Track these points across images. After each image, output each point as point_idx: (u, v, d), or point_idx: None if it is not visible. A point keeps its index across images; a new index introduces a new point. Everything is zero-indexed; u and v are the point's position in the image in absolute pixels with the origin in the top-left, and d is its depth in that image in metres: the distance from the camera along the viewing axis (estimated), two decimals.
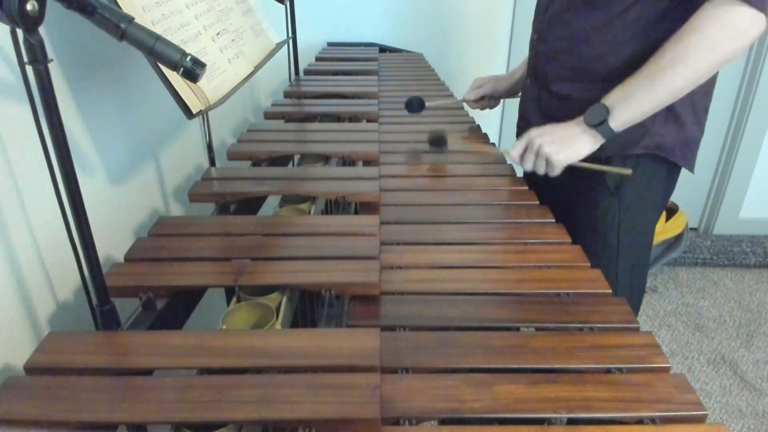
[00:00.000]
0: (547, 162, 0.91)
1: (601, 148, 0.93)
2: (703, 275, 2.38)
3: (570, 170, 0.93)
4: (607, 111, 0.87)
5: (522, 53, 2.25)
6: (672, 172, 1.03)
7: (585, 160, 0.92)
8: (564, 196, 1.02)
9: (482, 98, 1.32)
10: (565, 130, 0.92)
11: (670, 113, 0.94)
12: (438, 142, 1.14)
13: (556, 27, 1.01)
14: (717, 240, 2.45)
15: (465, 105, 1.37)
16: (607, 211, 1.02)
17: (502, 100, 1.39)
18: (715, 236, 2.48)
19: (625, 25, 0.91)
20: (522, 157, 0.95)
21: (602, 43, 0.93)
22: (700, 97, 0.96)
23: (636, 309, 1.14)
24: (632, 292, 1.08)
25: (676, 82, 0.83)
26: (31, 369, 0.55)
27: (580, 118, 0.91)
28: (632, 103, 0.86)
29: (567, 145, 0.91)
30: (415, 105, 1.31)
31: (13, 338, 0.69)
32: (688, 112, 0.96)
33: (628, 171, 0.94)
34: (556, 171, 0.92)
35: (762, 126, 2.27)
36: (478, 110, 1.38)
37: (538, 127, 0.94)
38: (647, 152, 0.97)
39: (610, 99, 0.88)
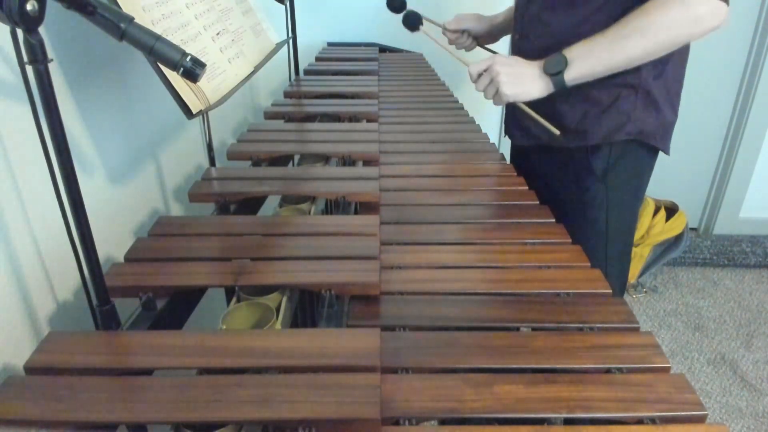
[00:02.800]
0: (497, 92, 0.95)
1: (586, 137, 0.97)
2: (703, 275, 2.38)
3: (557, 157, 0.97)
4: (565, 63, 0.91)
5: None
6: (652, 157, 1.08)
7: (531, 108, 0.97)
8: (553, 184, 1.06)
9: (462, 33, 1.35)
10: (526, 68, 0.95)
11: (649, 100, 0.99)
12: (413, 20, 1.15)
13: (536, 26, 1.05)
14: (717, 240, 2.45)
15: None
16: (596, 196, 1.05)
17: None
18: (715, 236, 2.48)
19: (600, 24, 0.93)
20: (479, 76, 0.98)
21: (578, 39, 0.95)
22: (673, 83, 1.02)
23: (623, 282, 1.19)
24: (621, 266, 1.14)
25: (634, 50, 0.87)
26: (31, 369, 0.55)
27: (542, 62, 0.94)
28: (590, 60, 0.90)
29: (521, 83, 0.94)
30: (397, 4, 1.36)
31: (13, 338, 0.69)
32: (664, 98, 1.01)
33: (556, 132, 0.98)
34: (501, 103, 0.97)
35: (762, 126, 2.27)
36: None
37: (505, 55, 0.99)
38: (630, 138, 1.01)
39: (572, 52, 0.91)
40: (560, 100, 1.01)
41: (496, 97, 0.96)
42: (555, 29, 1.01)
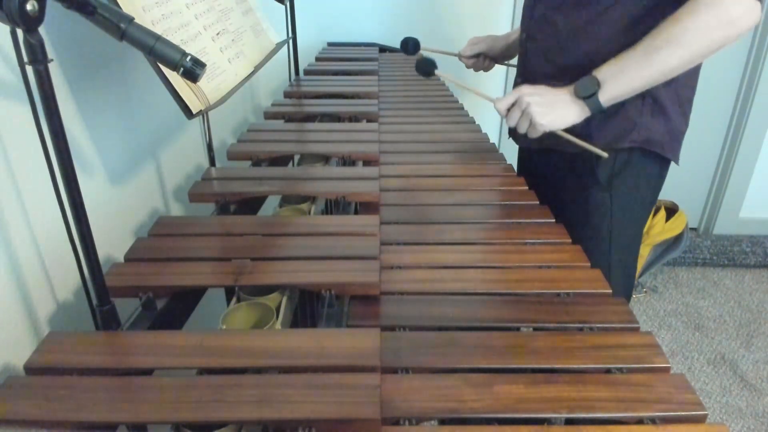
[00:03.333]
0: (531, 123, 0.92)
1: (590, 142, 0.93)
2: (703, 275, 2.38)
3: (561, 161, 0.94)
4: (598, 84, 0.88)
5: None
6: (662, 166, 1.05)
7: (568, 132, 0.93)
8: (557, 189, 1.04)
9: (477, 56, 1.33)
10: (556, 95, 0.92)
11: (657, 107, 0.96)
12: (426, 68, 1.12)
13: (543, 27, 1.02)
14: (717, 240, 2.45)
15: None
16: (600, 205, 1.03)
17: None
18: (715, 236, 2.48)
19: (609, 24, 0.92)
20: (508, 111, 0.95)
21: (588, 41, 0.95)
22: (685, 89, 0.98)
23: (628, 293, 1.16)
24: (625, 283, 1.11)
25: (669, 61, 0.84)
26: (31, 369, 0.55)
27: (572, 87, 0.91)
28: (623, 79, 0.87)
29: (554, 110, 0.91)
30: (410, 46, 1.34)
31: (13, 338, 0.69)
32: (674, 106, 0.98)
33: (605, 154, 0.94)
34: (537, 133, 0.93)
35: (762, 126, 2.27)
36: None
37: (531, 85, 0.95)
38: (635, 146, 0.98)
39: (602, 73, 0.88)
40: None
41: (531, 129, 0.92)
42: (562, 30, 0.99)
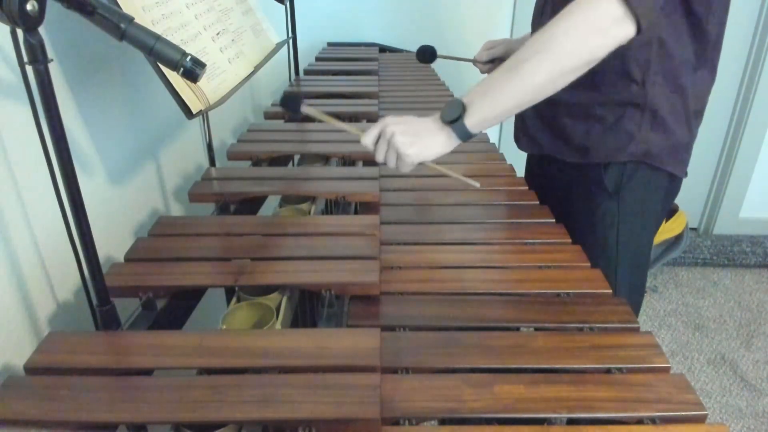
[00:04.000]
0: (397, 155, 0.83)
1: (588, 154, 0.88)
2: (703, 275, 2.38)
3: (569, 168, 0.90)
4: (463, 108, 0.79)
5: None
6: (672, 178, 1.01)
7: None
8: (564, 196, 1.02)
9: (493, 61, 1.28)
10: (421, 123, 0.84)
11: (657, 120, 0.91)
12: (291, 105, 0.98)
13: None
14: (717, 240, 2.45)
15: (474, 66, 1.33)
16: (606, 213, 1.00)
17: None
18: (715, 236, 2.48)
19: None
20: (375, 145, 0.85)
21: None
22: (693, 99, 0.92)
23: (636, 310, 1.12)
24: (632, 293, 1.07)
25: (536, 75, 0.74)
26: (31, 369, 0.55)
27: (438, 114, 0.83)
28: (488, 99, 0.78)
29: (420, 139, 0.82)
30: (427, 55, 1.31)
31: (13, 338, 0.69)
32: (676, 118, 0.93)
33: (476, 184, 0.88)
34: (406, 167, 0.83)
35: (762, 126, 2.27)
36: None
37: (395, 116, 0.86)
38: (634, 159, 0.94)
39: (468, 95, 0.80)
40: (564, 113, 0.96)
41: (399, 162, 0.83)
42: None
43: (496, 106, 0.78)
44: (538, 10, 1.05)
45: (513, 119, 1.19)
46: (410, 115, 0.85)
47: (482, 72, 1.32)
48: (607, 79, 0.88)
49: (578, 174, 0.97)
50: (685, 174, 1.01)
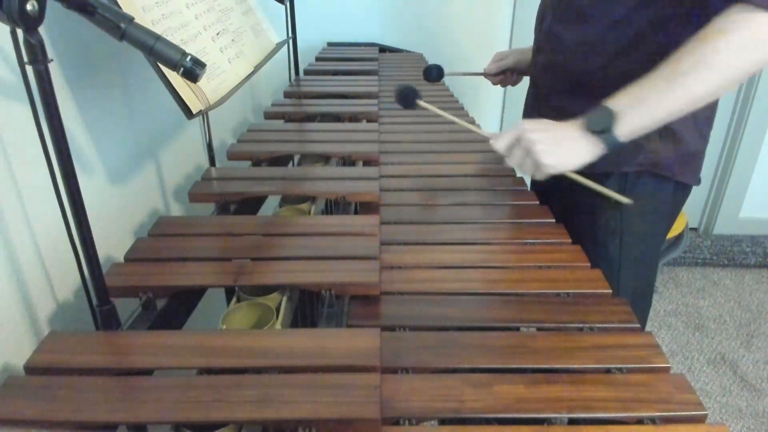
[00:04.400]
0: (535, 163, 0.81)
1: (594, 164, 0.85)
2: (703, 275, 2.38)
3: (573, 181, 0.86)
4: (613, 117, 0.76)
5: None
6: (678, 188, 0.98)
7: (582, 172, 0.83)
8: (567, 202, 0.99)
9: (504, 72, 1.27)
10: (563, 131, 0.81)
11: (666, 129, 0.88)
12: (406, 97, 1.01)
13: (551, 40, 0.98)
14: (717, 240, 2.45)
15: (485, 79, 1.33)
16: (609, 222, 0.97)
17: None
18: (715, 236, 2.48)
19: (616, 39, 0.88)
20: (509, 150, 0.83)
21: (595, 56, 0.91)
22: (703, 109, 0.86)
23: (642, 322, 1.04)
24: (636, 303, 1.01)
25: (696, 88, 0.73)
26: (31, 369, 0.55)
27: (582, 120, 0.81)
28: (643, 110, 0.76)
29: (561, 148, 0.80)
30: (433, 73, 1.26)
31: (13, 338, 0.69)
32: (687, 127, 0.91)
33: (628, 201, 0.84)
34: (543, 175, 0.82)
35: (762, 126, 2.27)
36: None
37: (533, 120, 0.84)
38: (643, 170, 0.93)
39: (618, 103, 0.77)
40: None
41: (536, 170, 0.81)
42: (567, 45, 0.94)
43: (651, 116, 0.76)
44: (539, 15, 1.04)
45: (522, 117, 1.18)
46: (547, 120, 0.83)
47: (494, 83, 1.31)
48: (617, 88, 0.82)
49: (580, 183, 0.94)
50: (698, 182, 0.98)
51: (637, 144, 0.88)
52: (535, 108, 1.07)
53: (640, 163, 0.92)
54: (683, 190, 0.99)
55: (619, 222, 0.97)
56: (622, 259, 0.99)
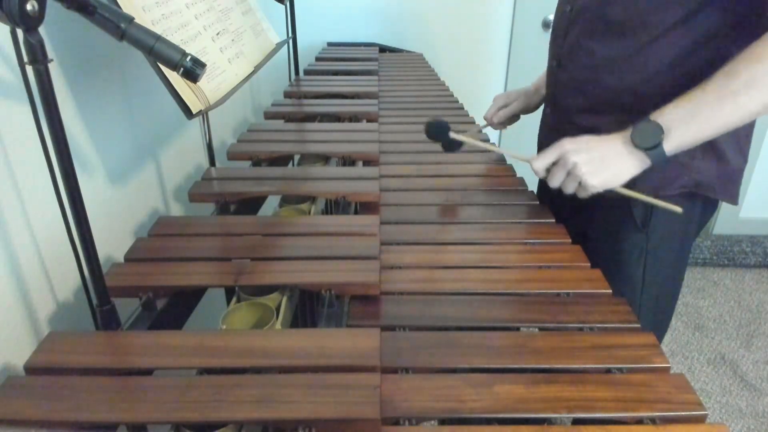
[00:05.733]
0: (580, 184, 0.79)
1: (632, 188, 0.81)
2: (703, 275, 2.38)
3: (594, 198, 0.81)
4: (662, 132, 0.74)
5: (521, 53, 2.25)
6: (708, 207, 0.94)
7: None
8: (587, 223, 0.95)
9: (511, 118, 1.18)
10: (607, 148, 0.78)
11: (710, 146, 0.85)
12: (439, 134, 0.97)
13: (577, 54, 0.92)
14: (717, 240, 2.45)
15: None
16: (634, 248, 0.93)
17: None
18: (715, 236, 2.48)
19: (658, 55, 0.82)
20: (549, 171, 0.81)
21: (632, 73, 0.85)
22: (743, 126, 0.82)
23: (660, 338, 1.02)
24: (656, 323, 1.01)
25: (748, 107, 0.72)
26: (31, 369, 0.55)
27: (626, 135, 0.77)
28: (693, 126, 0.74)
29: (606, 167, 0.78)
30: (434, 130, 1.02)
31: (13, 338, 0.69)
32: (730, 144, 0.88)
33: (678, 209, 0.81)
34: (587, 194, 0.80)
35: (762, 126, 2.27)
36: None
37: (573, 138, 0.81)
38: (684, 191, 0.88)
39: (666, 117, 0.75)
40: None
41: (581, 190, 0.79)
42: (600, 60, 0.87)
43: (698, 134, 0.75)
44: (560, 28, 0.97)
45: (537, 138, 1.10)
46: (587, 137, 0.80)
47: (495, 129, 1.22)
48: (654, 106, 0.78)
49: (600, 203, 0.86)
50: (737, 201, 0.94)
51: (681, 164, 0.85)
52: (557, 129, 0.97)
53: (683, 185, 0.87)
54: (713, 207, 0.96)
55: (644, 247, 0.93)
56: (646, 281, 0.95)
